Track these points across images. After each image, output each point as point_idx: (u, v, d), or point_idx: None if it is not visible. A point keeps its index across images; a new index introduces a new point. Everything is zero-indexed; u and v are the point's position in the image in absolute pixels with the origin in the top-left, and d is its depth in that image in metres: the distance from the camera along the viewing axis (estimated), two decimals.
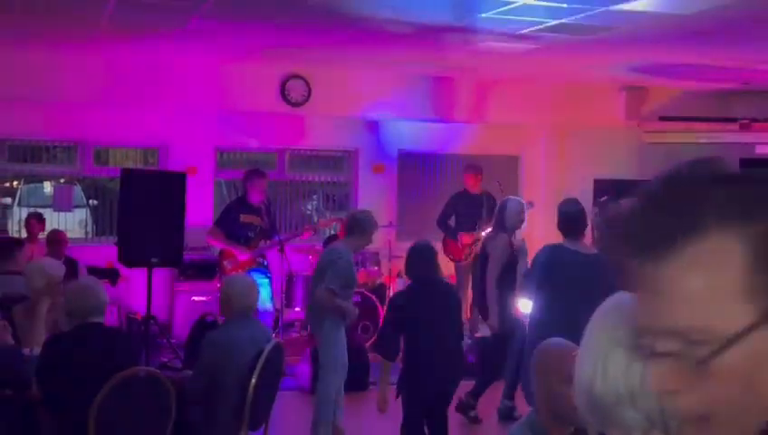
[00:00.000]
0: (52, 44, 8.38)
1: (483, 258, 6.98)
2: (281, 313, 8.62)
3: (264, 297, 8.46)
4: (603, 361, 1.38)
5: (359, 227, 5.88)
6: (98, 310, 4.40)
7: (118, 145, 10.22)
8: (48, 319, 5.07)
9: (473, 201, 9.17)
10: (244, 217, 8.24)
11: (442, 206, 9.44)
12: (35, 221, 8.71)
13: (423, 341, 5.14)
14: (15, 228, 9.25)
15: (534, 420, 2.63)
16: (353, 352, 6.33)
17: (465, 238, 9.12)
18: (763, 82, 9.57)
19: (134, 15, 6.71)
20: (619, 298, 1.43)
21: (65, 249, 7.59)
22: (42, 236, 8.65)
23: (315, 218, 10.82)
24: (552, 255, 5.42)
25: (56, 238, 7.64)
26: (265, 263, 8.49)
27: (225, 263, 8.34)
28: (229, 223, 8.27)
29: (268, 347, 4.66)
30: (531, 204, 9.46)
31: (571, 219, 5.42)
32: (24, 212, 9.53)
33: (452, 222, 9.33)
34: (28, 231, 8.62)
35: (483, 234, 8.99)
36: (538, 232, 10.55)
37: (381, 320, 9.01)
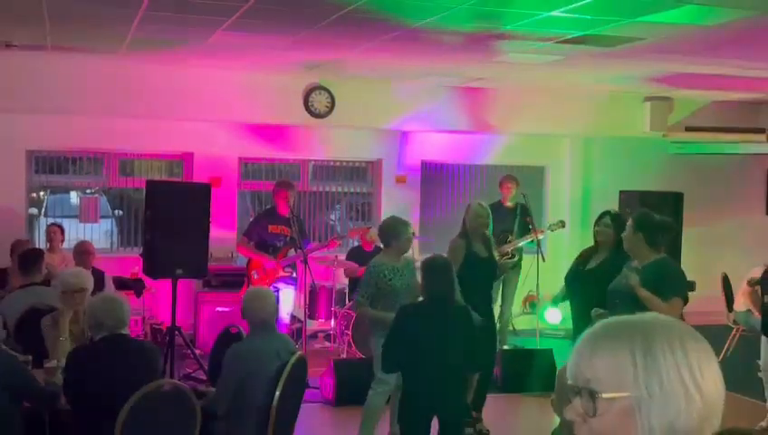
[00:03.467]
0: (78, 57, 8.47)
1: None
2: (304, 324, 8.62)
3: (289, 308, 8.52)
4: (692, 379, 1.40)
5: (391, 234, 5.92)
6: (121, 323, 4.43)
7: (143, 156, 10.29)
8: (75, 330, 5.10)
9: (506, 213, 9.12)
10: (272, 228, 8.36)
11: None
12: (58, 231, 8.77)
13: (426, 365, 4.77)
14: (43, 239, 9.33)
15: None
16: None
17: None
18: None
19: (160, 29, 6.76)
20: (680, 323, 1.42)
21: (92, 260, 7.63)
22: (63, 246, 8.72)
23: (339, 229, 10.85)
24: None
25: (84, 250, 7.68)
26: (295, 275, 8.55)
27: (252, 273, 8.42)
28: (258, 233, 8.40)
29: (292, 359, 4.66)
30: (562, 223, 9.44)
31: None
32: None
33: None
34: (50, 241, 8.68)
35: (513, 247, 9.00)
36: (564, 242, 10.51)
37: None
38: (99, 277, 6.58)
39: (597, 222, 5.93)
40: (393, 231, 5.93)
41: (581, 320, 5.47)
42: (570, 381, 1.36)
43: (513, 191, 9.17)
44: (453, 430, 4.96)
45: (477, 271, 6.39)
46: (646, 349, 1.32)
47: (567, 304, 6.13)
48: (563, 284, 6.20)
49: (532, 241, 8.97)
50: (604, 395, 1.32)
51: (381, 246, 6.25)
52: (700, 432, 1.32)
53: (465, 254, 6.46)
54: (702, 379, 1.31)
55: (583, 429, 1.35)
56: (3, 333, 4.61)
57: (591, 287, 5.50)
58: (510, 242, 8.97)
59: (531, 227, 8.96)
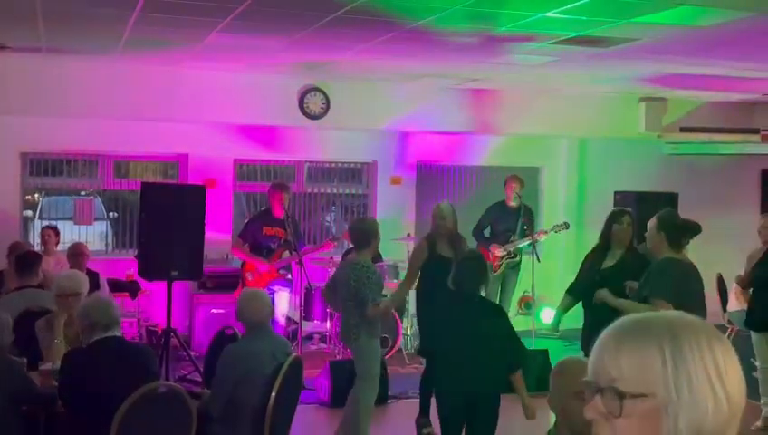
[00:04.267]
0: (73, 58, 8.45)
1: None
2: (299, 325, 8.62)
3: (284, 310, 8.52)
4: (720, 379, 1.38)
5: (371, 234, 6.00)
6: (113, 324, 4.41)
7: (138, 158, 10.27)
8: (69, 333, 5.08)
9: (510, 213, 9.13)
10: (267, 230, 8.38)
11: (461, 217, 9.42)
12: (52, 234, 8.73)
13: (452, 350, 4.95)
14: (37, 241, 9.30)
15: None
16: None
17: (495, 250, 9.09)
18: None
19: (155, 30, 6.75)
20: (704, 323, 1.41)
21: (87, 262, 7.61)
22: (58, 248, 8.69)
23: (334, 230, 10.85)
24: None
25: (78, 252, 7.66)
26: (289, 276, 8.55)
27: (247, 275, 8.42)
28: (253, 235, 8.41)
29: (287, 361, 4.65)
30: (566, 225, 9.46)
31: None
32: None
33: (487, 233, 9.29)
34: (44, 244, 8.64)
35: (514, 247, 9.04)
36: (559, 243, 10.51)
37: (400, 332, 9.02)
38: (93, 279, 6.56)
39: (617, 220, 5.87)
40: (373, 231, 6.03)
41: (601, 320, 5.47)
42: (590, 378, 1.32)
43: (518, 191, 9.17)
44: (478, 408, 5.00)
45: (441, 270, 6.37)
46: (675, 348, 1.29)
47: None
48: (567, 293, 6.21)
49: (533, 242, 9.01)
50: (632, 395, 1.29)
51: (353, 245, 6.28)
52: (724, 434, 1.30)
53: (429, 254, 6.61)
54: (727, 379, 1.29)
55: (606, 429, 1.31)
56: (9, 337, 4.58)
57: (611, 284, 5.53)
58: (512, 241, 9.03)
59: (526, 230, 9.00)
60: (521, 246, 9.15)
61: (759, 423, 6.77)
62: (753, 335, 6.91)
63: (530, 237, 9.01)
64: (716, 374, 1.29)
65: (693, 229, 5.35)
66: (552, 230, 9.36)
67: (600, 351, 1.34)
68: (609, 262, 5.84)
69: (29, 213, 10.38)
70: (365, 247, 6.00)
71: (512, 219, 9.11)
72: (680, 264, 5.17)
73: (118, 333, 4.44)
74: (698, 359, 1.29)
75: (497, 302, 9.15)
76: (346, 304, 5.92)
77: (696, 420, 1.28)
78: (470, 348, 4.90)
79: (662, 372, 1.28)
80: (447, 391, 5.04)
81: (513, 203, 9.19)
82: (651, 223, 5.26)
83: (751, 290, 7.15)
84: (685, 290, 5.00)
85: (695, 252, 7.29)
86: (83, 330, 4.43)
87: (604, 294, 5.41)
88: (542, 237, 9.17)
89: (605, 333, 1.35)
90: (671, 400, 1.27)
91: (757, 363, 6.82)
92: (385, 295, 6.41)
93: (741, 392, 1.32)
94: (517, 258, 9.24)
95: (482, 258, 5.35)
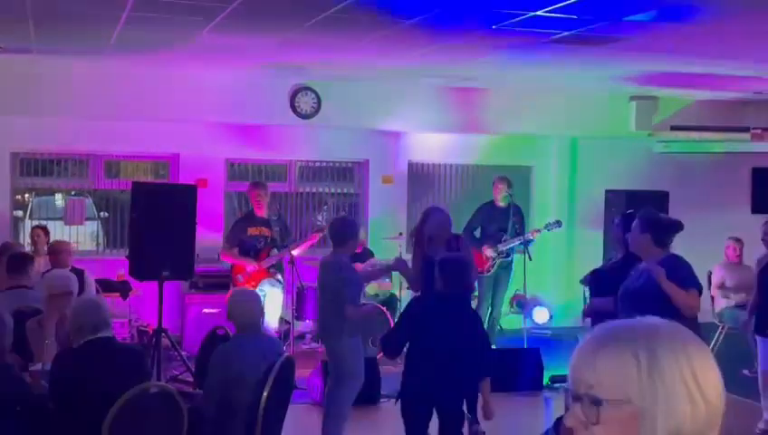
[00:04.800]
0: (63, 59, 8.42)
1: None
2: (291, 325, 8.61)
3: (277, 312, 8.50)
4: (696, 385, 1.37)
5: (351, 233, 6.01)
6: (103, 325, 4.38)
7: (129, 158, 10.25)
8: (59, 333, 5.06)
9: (499, 213, 9.13)
10: (251, 230, 8.37)
11: (452, 217, 9.42)
12: (41, 233, 8.68)
13: (428, 352, 4.98)
14: (27, 241, 9.26)
15: None
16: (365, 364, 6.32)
17: (486, 251, 9.10)
18: None
19: (145, 30, 6.73)
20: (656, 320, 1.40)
21: (71, 259, 7.52)
22: (47, 249, 8.65)
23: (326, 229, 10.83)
24: None
25: (61, 249, 7.56)
26: (279, 276, 8.53)
27: (237, 277, 8.41)
28: (238, 237, 8.39)
29: (279, 360, 4.65)
30: (559, 223, 9.48)
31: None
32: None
33: (477, 233, 9.29)
34: (33, 243, 8.60)
35: (507, 247, 9.05)
36: (550, 241, 10.53)
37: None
38: (79, 276, 6.45)
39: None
40: (353, 230, 6.05)
41: None
42: (570, 386, 1.33)
43: (506, 192, 9.17)
44: (451, 424, 5.04)
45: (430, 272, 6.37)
46: (650, 354, 1.28)
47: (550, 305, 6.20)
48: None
49: (526, 241, 9.02)
50: (608, 402, 1.28)
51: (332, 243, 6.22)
52: None
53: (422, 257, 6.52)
54: (705, 383, 1.29)
55: None
56: (9, 339, 4.56)
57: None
58: (505, 241, 9.06)
59: (518, 230, 9.02)
60: (513, 245, 9.16)
61: (762, 425, 6.74)
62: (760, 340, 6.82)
63: (522, 237, 9.03)
64: (693, 379, 1.28)
65: (676, 227, 5.33)
66: (544, 229, 9.37)
67: (578, 358, 1.34)
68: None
69: (19, 213, 10.33)
70: (340, 246, 5.97)
71: (502, 219, 9.12)
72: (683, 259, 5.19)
73: (108, 334, 4.42)
74: (674, 364, 1.28)
75: (490, 301, 9.19)
76: (327, 303, 5.88)
77: (674, 425, 1.27)
78: (441, 352, 4.91)
79: (637, 378, 1.28)
80: (412, 400, 5.04)
81: (502, 203, 9.19)
82: (634, 225, 5.21)
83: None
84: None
85: (685, 250, 7.34)
86: (73, 332, 4.41)
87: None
88: (535, 236, 9.19)
89: (582, 340, 1.35)
90: (647, 405, 1.27)
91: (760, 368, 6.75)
92: (378, 295, 6.39)
93: (719, 397, 1.31)
94: (509, 258, 9.26)
95: (462, 261, 5.31)
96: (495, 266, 9.16)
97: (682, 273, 5.09)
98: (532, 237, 9.10)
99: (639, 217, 5.26)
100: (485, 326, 7.76)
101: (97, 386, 4.13)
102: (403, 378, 5.13)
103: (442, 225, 6.49)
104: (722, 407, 1.32)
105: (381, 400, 7.44)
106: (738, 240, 8.84)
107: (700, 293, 5.10)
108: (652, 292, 4.93)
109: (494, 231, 9.15)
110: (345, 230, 6.00)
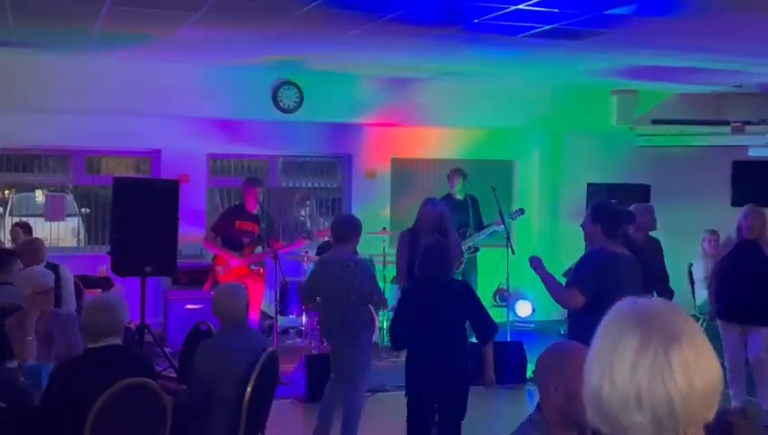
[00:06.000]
0: (43, 54, 8.36)
1: None
2: (275, 320, 8.60)
3: (256, 304, 8.47)
4: (610, 366, 1.38)
5: (354, 230, 6.02)
6: (114, 330, 4.21)
7: (110, 153, 10.19)
8: (39, 329, 5.03)
9: (458, 206, 9.11)
10: (240, 224, 8.30)
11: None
12: (20, 231, 8.53)
13: (422, 339, 5.13)
14: (8, 238, 9.19)
15: (539, 421, 2.60)
16: None
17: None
18: (756, 84, 9.59)
19: (125, 24, 6.69)
20: (625, 304, 1.42)
21: (43, 255, 7.27)
22: None
23: (309, 224, 10.82)
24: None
25: (36, 247, 7.20)
26: (262, 271, 8.50)
27: (218, 269, 8.36)
28: (225, 228, 8.33)
29: (263, 356, 4.64)
30: (522, 211, 9.48)
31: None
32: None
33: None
34: (13, 241, 8.49)
35: (473, 241, 9.05)
36: (533, 234, 10.56)
37: (375, 326, 9.01)
38: (54, 270, 6.27)
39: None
40: (356, 228, 6.05)
41: None
42: None
43: (462, 184, 9.18)
44: (447, 402, 5.14)
45: None
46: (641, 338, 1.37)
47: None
48: None
49: (492, 233, 9.04)
50: None
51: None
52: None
53: (410, 247, 6.74)
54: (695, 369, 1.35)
55: None
56: None
57: None
58: (470, 236, 9.01)
59: (478, 223, 9.04)
60: (479, 239, 9.11)
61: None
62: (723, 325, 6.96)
63: (488, 229, 9.01)
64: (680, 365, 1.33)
65: (627, 219, 5.40)
66: (508, 217, 9.28)
67: None
68: None
69: None
70: (343, 242, 5.98)
71: (462, 213, 9.07)
72: (611, 255, 5.13)
73: (117, 341, 4.24)
74: (659, 349, 1.34)
75: None
76: (345, 300, 5.82)
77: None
78: (439, 340, 5.04)
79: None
80: (418, 393, 5.14)
81: (459, 196, 9.18)
82: (586, 215, 5.28)
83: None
84: (611, 281, 4.91)
85: (666, 242, 7.38)
86: (84, 330, 4.31)
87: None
88: (500, 227, 9.09)
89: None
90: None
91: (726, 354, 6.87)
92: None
93: (709, 380, 1.36)
94: (476, 253, 9.22)
95: (443, 246, 5.46)
96: (464, 262, 9.12)
97: (578, 269, 5.19)
98: (497, 228, 9.02)
99: (592, 206, 5.34)
100: None
101: (97, 397, 4.00)
102: (405, 369, 5.26)
103: (427, 216, 6.83)
104: (710, 391, 1.35)
105: (366, 393, 7.44)
106: (714, 232, 8.92)
107: (583, 294, 4.98)
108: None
109: (456, 225, 9.14)
110: (349, 227, 6.03)
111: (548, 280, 5.24)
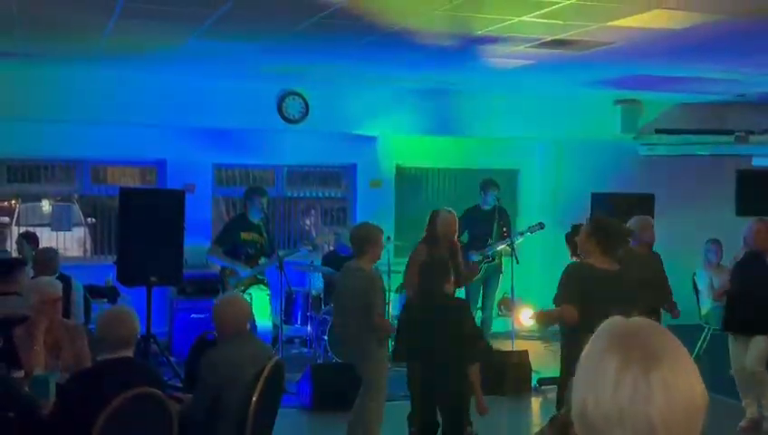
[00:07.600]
0: (50, 64, 8.41)
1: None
2: (280, 329, 8.61)
3: (264, 314, 8.48)
4: (594, 384, 1.40)
5: (369, 241, 5.90)
6: (128, 343, 4.21)
7: (116, 163, 10.23)
8: (48, 339, 5.05)
9: (485, 217, 9.15)
10: (244, 235, 8.27)
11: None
12: (24, 242, 8.54)
13: (420, 352, 5.21)
14: (14, 248, 9.23)
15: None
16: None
17: (473, 256, 9.12)
18: (759, 94, 9.61)
19: (132, 36, 6.74)
20: (609, 323, 1.45)
21: (56, 265, 7.39)
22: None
23: (314, 233, 10.84)
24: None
25: (50, 257, 7.40)
26: (266, 280, 8.51)
27: (228, 280, 8.36)
28: (230, 240, 8.29)
29: (269, 365, 4.65)
30: (541, 225, 9.50)
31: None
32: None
33: (464, 237, 9.29)
34: (20, 252, 8.51)
35: (492, 250, 9.08)
36: (537, 244, 10.57)
37: None
38: (65, 282, 6.33)
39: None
40: (372, 237, 5.92)
41: None
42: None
43: (492, 195, 9.21)
44: (452, 424, 5.22)
45: None
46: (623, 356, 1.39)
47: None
48: None
49: (512, 243, 9.05)
50: None
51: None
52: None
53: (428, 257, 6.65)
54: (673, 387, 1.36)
55: None
56: None
57: None
58: (489, 245, 9.07)
59: (505, 232, 9.04)
60: (498, 248, 9.16)
61: (743, 423, 6.80)
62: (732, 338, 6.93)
63: (507, 240, 9.02)
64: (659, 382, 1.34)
65: (625, 238, 5.28)
66: (527, 231, 9.35)
67: None
68: None
69: (6, 219, 10.30)
70: (359, 254, 5.92)
71: (488, 223, 9.13)
72: (591, 269, 5.00)
73: (128, 354, 4.22)
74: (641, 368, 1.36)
75: (479, 304, 9.21)
76: (352, 311, 5.82)
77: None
78: (435, 355, 5.11)
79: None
80: (423, 402, 5.24)
81: (486, 207, 9.23)
82: (583, 228, 5.14)
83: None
84: (596, 296, 4.78)
85: (670, 251, 7.39)
86: (97, 340, 4.31)
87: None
88: (519, 239, 9.18)
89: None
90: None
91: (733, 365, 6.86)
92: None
93: (689, 399, 1.36)
94: (496, 261, 9.27)
95: (441, 261, 5.57)
96: (483, 270, 9.19)
97: (560, 288, 5.07)
98: (514, 241, 9.06)
99: (590, 221, 5.22)
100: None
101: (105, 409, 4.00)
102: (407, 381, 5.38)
103: (447, 220, 6.98)
104: (691, 409, 1.36)
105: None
106: (717, 242, 8.93)
107: (573, 306, 4.89)
108: None
109: (479, 235, 9.18)
110: (361, 237, 5.93)
111: (554, 317, 5.19)
